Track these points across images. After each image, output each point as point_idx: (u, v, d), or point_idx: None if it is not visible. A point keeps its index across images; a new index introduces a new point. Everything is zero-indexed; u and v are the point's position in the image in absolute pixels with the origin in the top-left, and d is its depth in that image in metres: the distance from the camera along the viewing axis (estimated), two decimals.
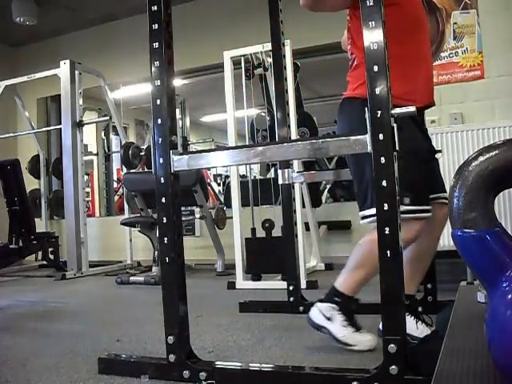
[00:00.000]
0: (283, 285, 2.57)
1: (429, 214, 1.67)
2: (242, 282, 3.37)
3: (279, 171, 2.42)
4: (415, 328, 1.76)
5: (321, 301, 1.78)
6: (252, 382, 1.52)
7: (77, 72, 4.75)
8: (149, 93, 1.58)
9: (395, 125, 1.31)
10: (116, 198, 7.39)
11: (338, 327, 1.71)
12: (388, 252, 1.30)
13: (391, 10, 1.53)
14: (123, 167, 5.39)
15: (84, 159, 4.82)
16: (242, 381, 1.53)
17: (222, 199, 7.21)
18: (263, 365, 1.60)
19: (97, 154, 7.36)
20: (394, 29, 1.50)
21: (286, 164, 2.40)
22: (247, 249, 3.45)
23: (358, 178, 1.75)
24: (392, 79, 1.43)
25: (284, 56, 2.52)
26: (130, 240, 5.14)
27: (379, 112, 1.30)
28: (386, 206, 1.30)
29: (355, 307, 1.76)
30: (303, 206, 3.71)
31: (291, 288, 2.45)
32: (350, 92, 1.76)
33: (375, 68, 1.30)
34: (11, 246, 4.56)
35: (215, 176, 8.84)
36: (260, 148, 1.48)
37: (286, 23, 2.48)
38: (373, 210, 1.55)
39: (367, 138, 1.32)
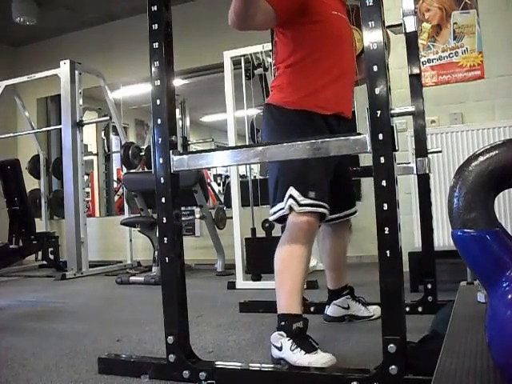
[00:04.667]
0: None
1: (326, 211, 1.76)
2: (242, 281, 3.37)
3: None
4: (359, 309, 2.18)
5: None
6: (252, 382, 1.52)
7: (77, 72, 4.75)
8: (149, 93, 1.58)
9: (395, 124, 1.31)
10: (116, 198, 7.38)
11: (289, 353, 1.59)
12: (387, 252, 1.29)
13: (305, 29, 1.77)
14: (123, 167, 5.39)
15: (84, 159, 4.82)
16: (241, 381, 1.53)
17: (222, 199, 7.20)
18: (263, 365, 1.60)
19: (97, 154, 7.36)
20: (306, 45, 1.78)
21: None
22: (247, 249, 3.45)
23: (271, 177, 1.83)
24: (297, 87, 1.78)
25: None
26: (130, 240, 5.14)
27: (379, 112, 1.30)
28: (385, 206, 1.30)
29: (302, 326, 1.65)
30: None
31: None
32: (271, 99, 1.87)
33: (375, 68, 1.30)
34: (11, 246, 4.56)
35: (215, 176, 8.83)
36: (260, 148, 1.48)
37: None
38: (277, 206, 1.75)
39: (367, 137, 1.32)
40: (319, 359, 1.55)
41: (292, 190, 1.72)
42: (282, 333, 1.64)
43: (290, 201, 1.71)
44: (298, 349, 1.58)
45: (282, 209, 1.75)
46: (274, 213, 1.79)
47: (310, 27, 1.77)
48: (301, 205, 1.70)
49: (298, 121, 1.78)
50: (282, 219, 1.78)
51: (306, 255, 1.72)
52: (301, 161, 1.60)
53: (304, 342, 1.61)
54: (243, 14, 1.61)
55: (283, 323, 1.66)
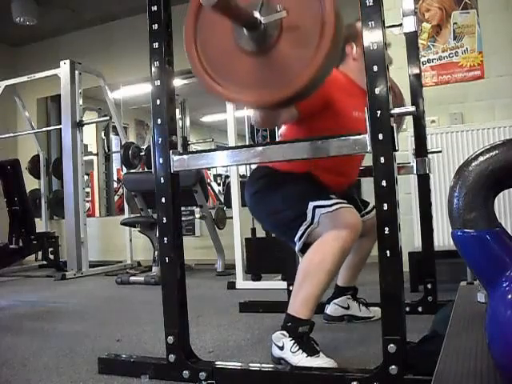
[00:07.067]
0: (283, 285, 2.57)
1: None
2: (242, 281, 3.37)
3: None
4: (359, 310, 2.21)
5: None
6: (252, 382, 1.52)
7: (77, 72, 4.75)
8: (149, 93, 1.58)
9: (395, 124, 1.31)
10: (116, 198, 7.38)
11: (289, 354, 1.58)
12: (387, 252, 1.29)
13: (321, 119, 1.73)
14: (123, 167, 5.39)
15: (84, 159, 4.82)
16: (242, 381, 1.53)
17: (222, 199, 7.20)
18: (263, 365, 1.60)
19: (97, 154, 7.35)
20: (324, 126, 1.71)
21: None
22: (247, 249, 3.45)
23: (277, 215, 1.79)
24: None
25: None
26: (130, 240, 5.14)
27: (379, 112, 1.30)
28: (385, 206, 1.30)
29: (307, 330, 1.62)
30: None
31: (291, 288, 2.43)
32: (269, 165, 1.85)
33: (375, 68, 1.30)
34: (11, 246, 4.55)
35: (215, 176, 8.82)
36: (260, 148, 1.48)
37: None
38: (301, 229, 1.66)
39: (367, 137, 1.32)
40: (321, 365, 1.53)
41: (315, 202, 1.65)
42: (284, 332, 1.63)
43: (318, 210, 1.64)
44: (300, 351, 1.57)
45: (310, 225, 1.65)
46: (300, 237, 1.68)
47: (326, 118, 1.75)
48: (331, 205, 1.64)
49: (300, 176, 1.78)
50: (307, 246, 1.67)
51: (335, 269, 1.65)
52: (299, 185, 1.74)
53: (306, 344, 1.59)
54: (268, 123, 1.75)
55: (289, 324, 1.63)
